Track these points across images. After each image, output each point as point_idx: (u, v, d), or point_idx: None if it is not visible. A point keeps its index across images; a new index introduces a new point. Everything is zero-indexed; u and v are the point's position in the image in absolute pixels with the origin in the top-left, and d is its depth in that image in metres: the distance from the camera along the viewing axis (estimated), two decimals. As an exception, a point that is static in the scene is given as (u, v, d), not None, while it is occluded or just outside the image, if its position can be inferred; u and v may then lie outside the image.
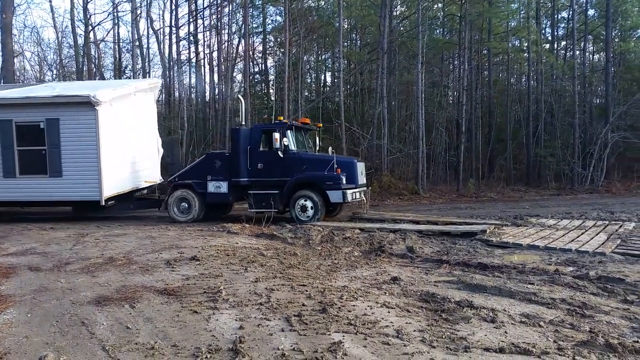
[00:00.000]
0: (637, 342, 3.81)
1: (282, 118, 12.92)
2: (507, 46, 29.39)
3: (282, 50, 27.13)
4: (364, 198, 12.69)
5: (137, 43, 27.81)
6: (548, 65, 28.65)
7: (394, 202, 18.34)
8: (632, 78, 30.64)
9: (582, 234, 9.49)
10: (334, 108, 26.44)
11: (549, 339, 3.93)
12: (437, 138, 26.37)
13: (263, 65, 32.78)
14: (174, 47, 27.55)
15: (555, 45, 31.91)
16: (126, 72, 29.76)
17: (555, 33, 32.14)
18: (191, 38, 29.31)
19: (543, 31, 32.01)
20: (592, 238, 8.96)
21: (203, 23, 29.57)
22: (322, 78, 35.34)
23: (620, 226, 10.50)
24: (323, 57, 34.22)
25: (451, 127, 26.91)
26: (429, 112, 25.56)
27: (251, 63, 29.84)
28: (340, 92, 24.02)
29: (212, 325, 4.27)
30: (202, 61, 29.32)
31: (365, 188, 12.88)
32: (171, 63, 27.38)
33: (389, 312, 4.64)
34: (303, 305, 4.80)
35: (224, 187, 12.49)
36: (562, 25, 32.61)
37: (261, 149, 12.40)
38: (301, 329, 4.11)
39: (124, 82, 16.58)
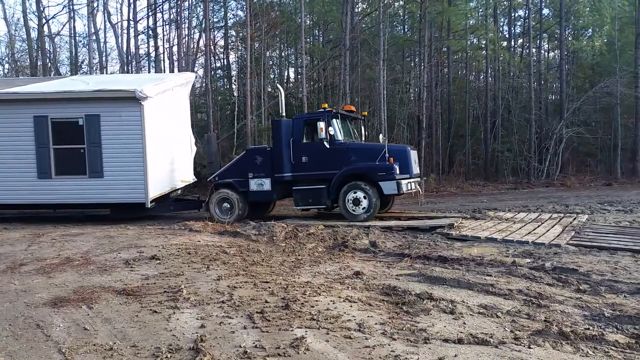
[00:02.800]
0: (589, 329, 3.97)
1: (326, 105, 11.80)
2: (466, 44, 30.05)
3: (244, 45, 26.88)
4: (419, 189, 11.74)
5: (94, 37, 27.02)
6: (505, 63, 29.44)
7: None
8: (584, 75, 31.85)
9: (538, 226, 9.81)
10: (298, 104, 26.39)
11: (506, 329, 4.05)
12: (399, 134, 26.73)
13: (225, 60, 32.45)
14: (132, 41, 26.99)
15: (512, 43, 32.82)
16: (82, 67, 28.89)
17: (512, 31, 33.04)
18: (150, 32, 28.78)
19: (500, 29, 32.86)
20: (547, 230, 9.28)
21: (162, 17, 29.08)
22: (286, 74, 35.25)
23: (575, 219, 10.91)
24: (286, 52, 34.11)
25: (413, 123, 27.35)
26: (391, 109, 25.88)
27: (213, 58, 29.47)
28: (304, 88, 24.02)
29: (173, 325, 4.20)
30: (161, 56, 28.76)
31: (419, 178, 11.97)
32: (129, 57, 26.74)
33: (351, 306, 4.68)
34: (266, 302, 4.78)
35: (266, 184, 11.74)
36: (519, 23, 33.56)
37: (304, 140, 11.62)
38: (264, 325, 4.10)
39: (163, 77, 15.43)
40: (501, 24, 33.54)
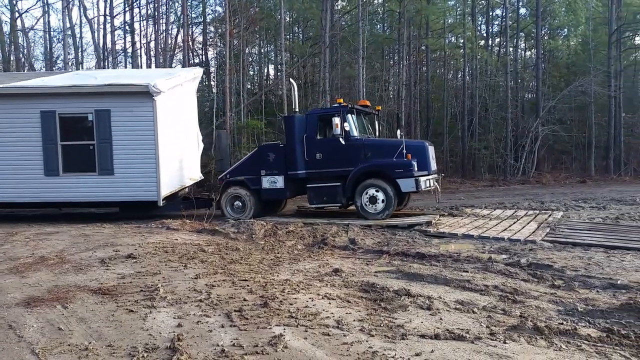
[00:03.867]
0: (562, 324, 4.05)
1: (341, 100, 11.42)
2: (444, 43, 30.32)
3: (223, 41, 26.64)
4: (437, 186, 11.33)
5: (70, 32, 26.50)
6: (483, 62, 29.81)
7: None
8: (560, 74, 32.45)
9: (514, 223, 9.97)
10: (277, 101, 26.29)
11: (482, 324, 4.10)
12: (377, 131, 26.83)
13: (203, 56, 32.08)
14: (109, 36, 26.52)
15: (490, 42, 33.24)
16: (58, 62, 28.31)
17: (490, 30, 33.47)
18: (127, 27, 28.33)
19: (478, 28, 33.25)
20: (523, 227, 9.43)
21: (139, 12, 28.66)
22: (265, 71, 35.08)
23: (550, 215, 11.11)
24: (266, 49, 33.95)
25: (392, 120, 27.49)
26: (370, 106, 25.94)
27: (191, 54, 29.14)
28: (283, 85, 23.92)
29: (149, 324, 4.16)
30: (138, 51, 28.35)
31: (436, 175, 11.57)
32: (106, 53, 26.30)
33: (330, 303, 4.70)
34: (244, 300, 4.76)
35: (279, 181, 11.40)
36: (496, 22, 34.00)
37: (319, 137, 11.31)
38: (242, 324, 4.08)
39: (173, 71, 14.95)
40: (479, 23, 33.95)
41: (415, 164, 10.46)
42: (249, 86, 27.28)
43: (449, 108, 30.61)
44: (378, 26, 32.63)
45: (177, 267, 6.31)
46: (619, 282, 5.34)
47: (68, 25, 26.39)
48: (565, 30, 33.99)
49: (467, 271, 6.03)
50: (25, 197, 11.59)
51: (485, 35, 33.40)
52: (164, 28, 26.40)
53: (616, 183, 23.32)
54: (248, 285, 5.33)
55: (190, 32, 28.09)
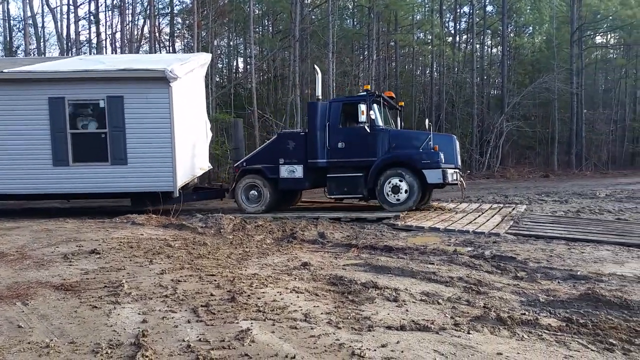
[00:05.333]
0: (524, 314, 4.15)
1: (368, 87, 11.01)
2: (413, 39, 30.64)
3: (190, 33, 26.21)
4: (462, 180, 11.05)
5: (30, 21, 25.60)
6: (450, 58, 30.25)
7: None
8: (524, 71, 33.25)
9: (479, 216, 10.17)
10: (247, 95, 26.08)
11: (447, 315, 4.17)
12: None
13: (171, 48, 31.53)
14: (73, 26, 25.74)
15: (457, 39, 33.77)
16: (18, 52, 27.33)
17: (457, 27, 33.99)
18: (91, 18, 27.53)
19: (446, 25, 33.71)
20: (487, 220, 9.63)
21: (105, 2, 27.86)
22: (234, 64, 34.72)
23: (513, 209, 11.38)
24: (235, 42, 33.59)
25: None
26: (340, 101, 25.99)
27: (158, 45, 28.58)
28: (253, 78, 23.75)
29: (113, 320, 4.07)
30: (103, 42, 27.63)
31: (460, 171, 11.20)
32: (69, 44, 25.53)
33: (298, 297, 4.69)
34: (211, 295, 4.71)
35: (298, 171, 10.97)
36: (464, 19, 34.57)
37: (342, 125, 10.94)
38: (208, 319, 4.04)
39: (184, 57, 14.20)
40: (447, 19, 34.42)
41: (442, 155, 10.18)
42: (217, 79, 26.93)
43: (417, 104, 31.00)
44: (348, 21, 32.71)
45: (143, 263, 6.20)
46: (579, 273, 5.51)
47: (29, 14, 25.55)
48: (530, 28, 34.81)
49: (433, 263, 6.12)
50: (32, 189, 11.07)
51: (452, 32, 33.89)
52: (130, 19, 25.82)
53: (578, 177, 24.09)
54: (215, 280, 5.27)
55: (157, 23, 27.54)
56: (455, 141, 10.92)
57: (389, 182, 10.25)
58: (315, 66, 12.61)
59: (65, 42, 25.89)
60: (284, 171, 11.08)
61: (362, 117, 10.27)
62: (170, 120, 10.81)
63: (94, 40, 27.77)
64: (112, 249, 6.99)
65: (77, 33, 26.18)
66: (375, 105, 10.81)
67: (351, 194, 10.77)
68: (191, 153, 12.47)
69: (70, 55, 25.42)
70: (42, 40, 27.08)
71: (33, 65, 11.85)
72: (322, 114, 10.95)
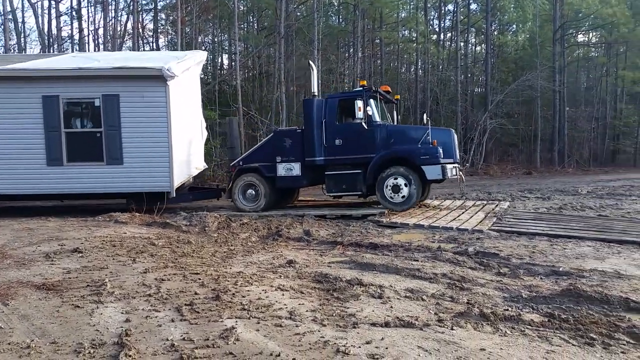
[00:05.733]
0: (507, 310, 4.19)
1: (365, 83, 10.82)
2: (397, 36, 30.74)
3: (174, 29, 25.97)
4: (461, 175, 10.94)
5: (10, 17, 25.15)
6: (434, 56, 30.42)
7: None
8: (508, 69, 33.56)
9: (463, 213, 10.25)
10: (232, 92, 25.94)
11: (431, 311, 4.20)
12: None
13: (154, 44, 31.21)
14: (54, 22, 25.34)
15: (442, 37, 33.96)
16: (-3, 48, 26.83)
17: (442, 25, 34.19)
18: (73, 13, 27.12)
19: (431, 23, 33.87)
20: (471, 217, 9.71)
21: (87, -3, 27.46)
22: (219, 60, 34.49)
23: (497, 205, 11.49)
24: (219, 38, 33.37)
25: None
26: (325, 98, 25.99)
27: (141, 42, 28.27)
28: (237, 75, 23.62)
29: (96, 320, 4.02)
30: (86, 39, 27.25)
31: (459, 165, 11.03)
32: (51, 40, 25.13)
33: (283, 294, 4.69)
34: (195, 293, 4.68)
35: (296, 169, 10.85)
36: (448, 17, 34.76)
37: (339, 122, 10.78)
38: (192, 318, 4.01)
39: (181, 54, 13.82)
40: (431, 17, 34.58)
41: (441, 150, 10.06)
42: (202, 76, 26.68)
43: (403, 101, 31.12)
44: (333, 18, 32.69)
45: (126, 262, 6.13)
46: (560, 269, 5.58)
47: (9, 8, 25.08)
48: (514, 26, 35.14)
49: (417, 260, 6.15)
50: (25, 189, 10.85)
51: (437, 30, 34.06)
52: (113, 15, 25.48)
53: (560, 174, 24.41)
54: (200, 279, 5.24)
55: (140, 19, 27.22)
56: (453, 135, 10.81)
57: (389, 181, 10.15)
58: (311, 62, 12.48)
59: (46, 38, 25.47)
60: (282, 169, 11.00)
61: (359, 113, 10.20)
62: (167, 119, 10.71)
63: (76, 37, 27.42)
64: (95, 247, 6.91)
65: (59, 29, 25.83)
66: (372, 101, 10.74)
67: (350, 191, 10.68)
68: (187, 152, 12.37)
69: (52, 51, 25.04)
70: (22, 36, 26.64)
71: (25, 62, 11.62)
72: (319, 110, 10.84)
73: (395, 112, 12.51)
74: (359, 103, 10.21)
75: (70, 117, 10.82)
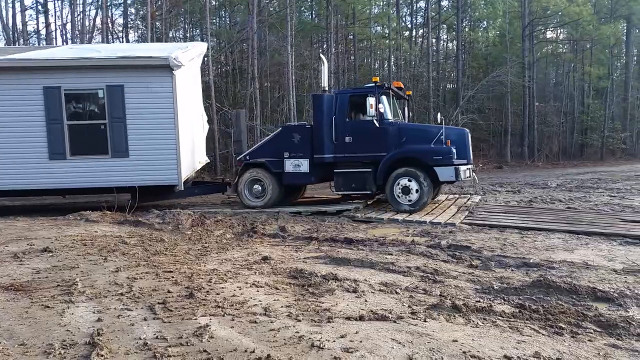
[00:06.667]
0: (479, 302, 4.28)
1: (377, 79, 10.47)
2: (370, 32, 30.86)
3: (144, 24, 25.53)
4: (475, 176, 10.55)
5: (-29, 9, 24.32)
6: (407, 52, 30.67)
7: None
8: (478, 65, 34.04)
9: (436, 207, 10.39)
10: (204, 88, 25.61)
11: (404, 304, 4.25)
12: (308, 120, 26.94)
13: (124, 39, 30.58)
14: (19, 16, 24.61)
15: (414, 33, 34.22)
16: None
17: (414, 21, 34.45)
18: (39, 7, 26.38)
19: (403, 19, 34.11)
20: (444, 211, 9.86)
21: (53, -9, 26.76)
22: (191, 56, 33.97)
23: (469, 199, 11.69)
24: (191, 34, 32.91)
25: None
26: (300, 94, 25.97)
27: (110, 37, 27.68)
28: (210, 71, 23.33)
29: (67, 320, 3.94)
30: (53, 34, 26.55)
31: (472, 165, 10.64)
32: (15, 35, 24.40)
33: (257, 291, 4.67)
34: (168, 292, 4.63)
35: (304, 165, 10.58)
36: (420, 14, 35.04)
37: (349, 118, 10.53)
38: (165, 316, 3.97)
39: (185, 45, 13.26)
40: (403, 14, 34.83)
41: (455, 151, 9.72)
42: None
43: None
44: (307, 13, 32.61)
45: (97, 261, 6.02)
46: (531, 260, 5.72)
47: (-30, 2, 24.24)
48: (485, 22, 35.66)
49: (391, 254, 6.22)
50: (26, 184, 10.44)
51: (409, 26, 34.31)
52: (81, 9, 24.88)
53: (530, 168, 24.94)
54: (173, 277, 5.18)
55: (109, 14, 26.65)
56: (468, 135, 10.41)
57: (400, 182, 9.84)
58: (322, 55, 12.26)
59: (11, 32, 24.75)
60: (289, 165, 10.78)
61: (371, 111, 9.90)
62: (174, 110, 10.43)
63: (43, 32, 26.70)
64: (65, 247, 6.75)
65: (24, 23, 25.14)
66: (384, 98, 10.45)
67: (359, 190, 10.43)
68: (192, 145, 12.12)
69: (17, 45, 24.33)
70: (-15, 30, 25.80)
71: (25, 53, 11.21)
72: (328, 106, 10.57)
73: (406, 109, 12.24)
74: (371, 100, 9.88)
75: (73, 108, 10.49)
